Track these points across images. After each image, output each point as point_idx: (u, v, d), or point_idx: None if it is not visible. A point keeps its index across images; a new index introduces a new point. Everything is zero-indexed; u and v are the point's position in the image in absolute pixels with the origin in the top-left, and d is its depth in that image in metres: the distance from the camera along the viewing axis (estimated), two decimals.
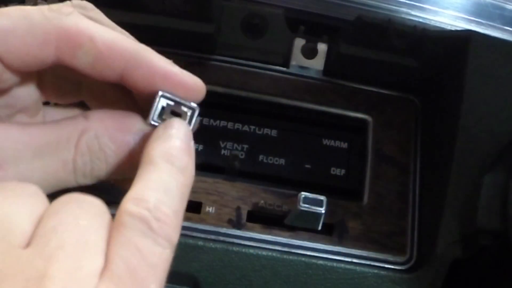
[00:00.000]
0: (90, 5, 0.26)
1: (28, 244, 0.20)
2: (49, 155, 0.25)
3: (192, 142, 0.25)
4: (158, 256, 0.21)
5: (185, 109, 0.26)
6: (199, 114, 0.27)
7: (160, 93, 0.25)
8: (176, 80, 0.26)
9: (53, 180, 0.26)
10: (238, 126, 0.53)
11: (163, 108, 0.26)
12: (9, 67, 0.24)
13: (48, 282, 0.18)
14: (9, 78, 0.25)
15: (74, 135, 0.26)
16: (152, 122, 0.26)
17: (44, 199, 0.22)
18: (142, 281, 0.20)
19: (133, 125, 0.26)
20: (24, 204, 0.21)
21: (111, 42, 0.25)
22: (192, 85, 0.26)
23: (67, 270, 0.19)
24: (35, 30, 0.24)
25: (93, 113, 0.26)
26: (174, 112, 0.26)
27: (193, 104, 0.26)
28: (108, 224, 0.22)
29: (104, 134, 0.26)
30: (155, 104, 0.25)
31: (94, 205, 0.22)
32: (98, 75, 0.25)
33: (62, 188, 0.26)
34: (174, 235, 0.22)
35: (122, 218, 0.21)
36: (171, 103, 0.26)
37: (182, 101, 0.26)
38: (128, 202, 0.21)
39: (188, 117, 0.26)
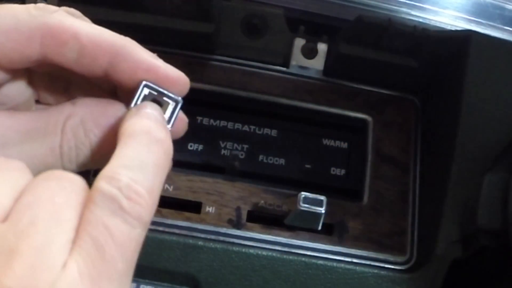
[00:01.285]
0: (78, 12, 0.27)
1: (6, 218, 0.20)
2: (37, 140, 0.26)
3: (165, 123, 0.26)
4: (127, 235, 0.21)
5: (168, 100, 0.26)
6: (182, 108, 0.27)
7: (143, 82, 0.26)
8: (159, 73, 0.26)
9: (41, 165, 0.26)
10: (238, 126, 0.53)
11: (145, 96, 0.26)
12: None
13: (17, 257, 0.19)
14: None
15: (61, 120, 0.26)
16: None
17: (28, 174, 0.22)
18: (110, 260, 0.20)
19: (116, 110, 0.27)
20: (6, 178, 0.21)
21: (96, 37, 0.25)
22: (176, 78, 0.26)
23: (36, 246, 0.19)
24: (20, 27, 0.24)
25: (80, 99, 0.27)
26: (156, 101, 0.26)
27: (177, 97, 0.26)
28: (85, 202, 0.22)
29: (88, 119, 0.26)
30: (138, 92, 0.26)
31: (73, 182, 0.22)
32: (83, 70, 0.26)
33: None
34: (146, 214, 0.22)
35: (93, 196, 0.21)
36: (154, 92, 0.26)
37: (165, 92, 0.26)
38: (101, 180, 0.21)
39: (171, 109, 0.26)
